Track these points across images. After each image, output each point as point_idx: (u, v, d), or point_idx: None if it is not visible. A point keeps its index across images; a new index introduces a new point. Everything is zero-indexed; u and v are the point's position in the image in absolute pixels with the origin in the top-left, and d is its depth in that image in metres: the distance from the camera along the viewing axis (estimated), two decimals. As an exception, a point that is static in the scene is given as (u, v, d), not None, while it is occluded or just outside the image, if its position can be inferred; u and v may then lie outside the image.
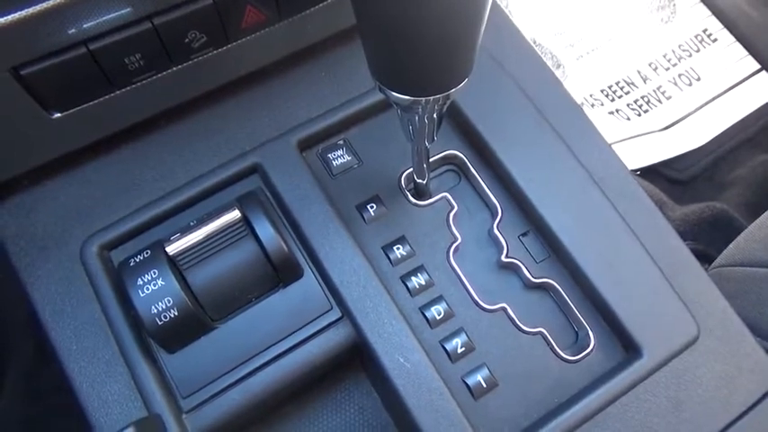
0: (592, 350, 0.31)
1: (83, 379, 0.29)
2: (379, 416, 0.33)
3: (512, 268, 0.33)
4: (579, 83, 0.89)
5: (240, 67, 0.33)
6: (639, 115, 0.87)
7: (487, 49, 0.36)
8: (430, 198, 0.34)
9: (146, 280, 0.28)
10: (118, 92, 0.29)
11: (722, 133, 0.86)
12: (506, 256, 0.33)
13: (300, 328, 0.30)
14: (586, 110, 0.88)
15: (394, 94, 0.25)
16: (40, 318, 0.30)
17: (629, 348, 0.31)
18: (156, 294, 0.27)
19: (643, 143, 0.83)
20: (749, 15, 0.88)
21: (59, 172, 0.32)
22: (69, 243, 0.31)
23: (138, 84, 0.29)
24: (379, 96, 0.34)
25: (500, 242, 0.33)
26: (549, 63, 0.90)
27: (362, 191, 0.33)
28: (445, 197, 0.34)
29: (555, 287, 0.32)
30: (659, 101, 0.88)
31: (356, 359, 0.33)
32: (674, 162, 0.83)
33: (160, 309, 0.27)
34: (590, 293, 0.31)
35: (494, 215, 0.34)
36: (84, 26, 0.25)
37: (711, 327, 0.31)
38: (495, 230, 0.33)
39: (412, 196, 0.34)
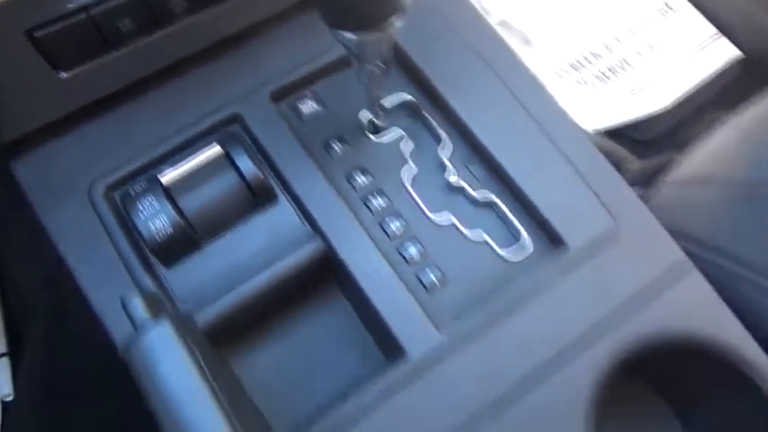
0: (530, 251, 0.36)
1: (97, 294, 0.34)
2: (360, 335, 0.38)
3: (459, 190, 0.38)
4: (547, 57, 0.95)
5: (220, 31, 0.38)
6: (605, 83, 0.93)
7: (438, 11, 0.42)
8: (387, 135, 0.39)
9: (145, 205, 0.33)
10: (115, 53, 0.35)
11: (685, 96, 0.92)
12: (454, 180, 0.38)
13: (277, 246, 0.35)
14: (555, 80, 0.93)
15: (339, 33, 0.31)
16: (60, 252, 0.36)
17: (557, 243, 0.36)
18: (154, 216, 0.33)
19: (608, 107, 0.89)
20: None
21: (66, 130, 0.38)
22: (78, 189, 0.36)
23: (132, 46, 0.35)
24: (341, 52, 0.40)
25: (449, 169, 0.38)
26: (518, 40, 0.96)
27: (328, 132, 0.39)
28: (400, 133, 0.39)
29: (496, 202, 0.37)
30: (623, 69, 0.94)
31: (331, 275, 0.38)
32: (640, 125, 0.89)
33: (158, 227, 0.33)
34: (523, 203, 0.37)
35: (443, 147, 0.39)
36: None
37: (626, 221, 0.36)
38: (445, 160, 0.39)
39: (371, 134, 0.39)
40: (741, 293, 0.40)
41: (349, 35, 0.31)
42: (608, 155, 0.41)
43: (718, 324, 0.35)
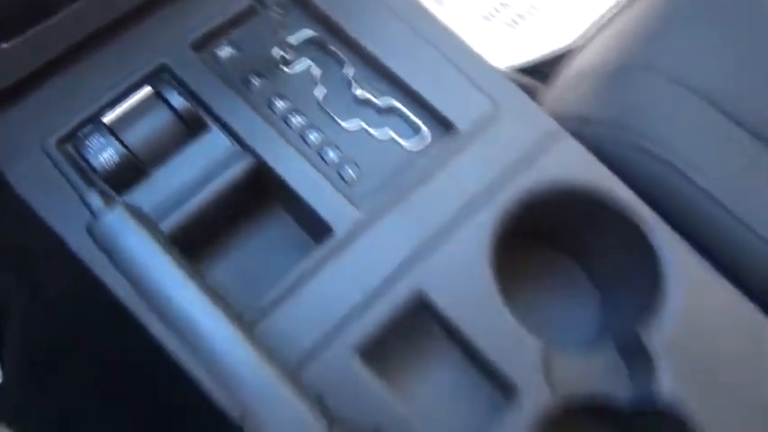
0: (429, 140, 0.43)
1: (64, 229, 0.39)
2: (297, 234, 0.44)
3: (365, 101, 0.45)
4: (460, 12, 1.02)
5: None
6: (515, 28, 1.01)
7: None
8: (297, 66, 0.46)
9: (92, 142, 0.39)
10: (50, 21, 0.40)
11: (587, 29, 1.00)
12: (359, 93, 0.45)
13: (214, 167, 0.41)
14: (469, 31, 1.01)
15: None
16: (27, 202, 0.41)
17: (449, 128, 0.43)
18: (102, 149, 0.38)
19: (519, 48, 0.97)
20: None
21: (13, 98, 0.43)
22: (34, 147, 0.41)
23: (64, 12, 0.40)
24: (249, 2, 0.46)
25: (354, 85, 0.45)
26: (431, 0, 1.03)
27: (246, 70, 0.45)
28: (308, 63, 0.46)
29: (396, 106, 0.44)
30: (531, 13, 1.02)
31: (267, 192, 0.44)
32: (551, 61, 0.97)
33: (106, 158, 0.38)
34: (419, 102, 0.44)
35: (347, 69, 0.46)
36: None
37: (506, 103, 0.44)
38: (350, 79, 0.45)
39: (284, 66, 0.45)
40: (622, 156, 0.47)
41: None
42: (522, 87, 0.48)
43: (592, 174, 0.42)
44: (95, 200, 0.31)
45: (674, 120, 0.43)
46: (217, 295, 0.30)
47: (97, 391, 0.61)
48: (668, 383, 0.37)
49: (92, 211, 0.31)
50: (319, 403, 0.28)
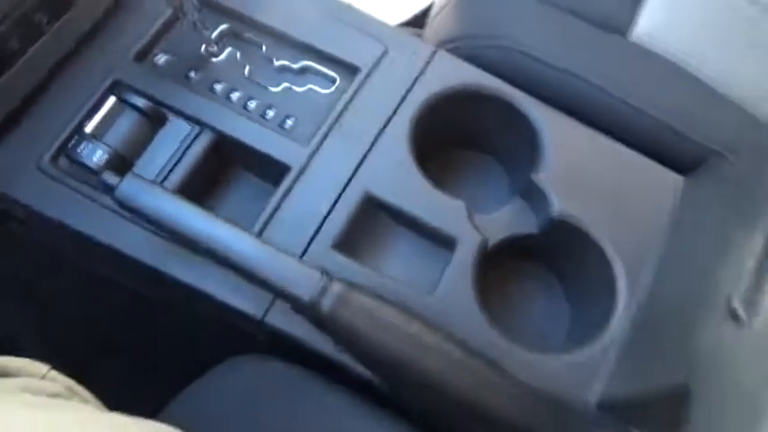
0: (339, 83, 0.55)
1: (80, 221, 0.49)
2: (261, 185, 0.55)
3: (285, 67, 0.56)
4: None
5: (78, 30, 0.53)
6: (394, -9, 1.13)
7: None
8: (223, 55, 0.56)
9: (82, 149, 0.48)
10: (14, 68, 0.49)
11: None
12: (278, 63, 0.56)
13: (183, 146, 0.52)
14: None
15: None
16: (42, 212, 0.49)
17: (355, 71, 0.55)
18: (92, 152, 0.48)
19: (401, 6, 1.10)
20: None
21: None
22: (31, 168, 0.50)
23: (22, 60, 0.49)
24: (169, 13, 0.56)
25: (272, 58, 0.56)
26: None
27: (183, 69, 0.55)
28: (231, 50, 0.57)
29: (311, 65, 0.56)
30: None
31: (227, 157, 0.55)
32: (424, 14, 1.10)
33: (97, 158, 0.48)
34: (328, 58, 0.55)
35: (263, 48, 0.57)
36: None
37: (393, 45, 0.56)
38: (268, 54, 0.56)
39: (212, 58, 0.56)
40: (490, 57, 0.60)
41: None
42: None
43: (468, 75, 0.55)
44: (110, 177, 0.41)
45: (514, 17, 0.57)
46: (226, 219, 0.41)
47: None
48: (558, 204, 0.50)
49: (110, 186, 0.41)
50: (321, 268, 0.40)
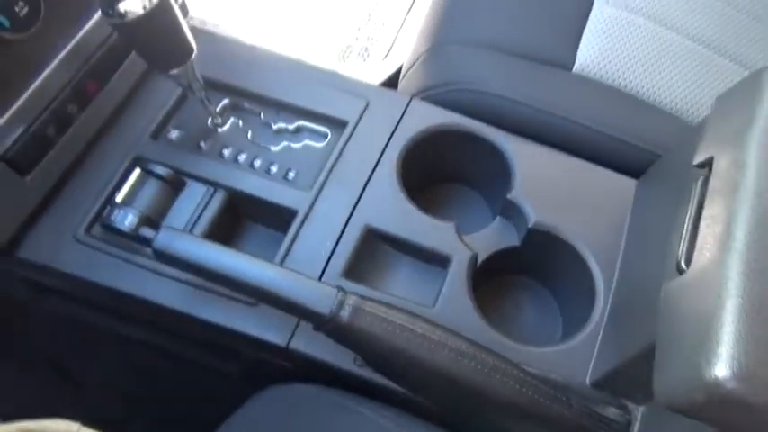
0: (330, 136, 0.63)
1: (118, 282, 0.55)
2: (271, 234, 0.62)
3: (282, 129, 0.64)
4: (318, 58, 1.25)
5: (102, 115, 0.61)
6: (366, 60, 1.25)
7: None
8: (227, 125, 0.65)
9: (115, 216, 0.55)
10: (49, 154, 0.57)
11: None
12: (276, 126, 0.64)
13: (201, 206, 0.59)
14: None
15: (164, 73, 0.56)
16: (84, 278, 0.55)
17: (343, 125, 0.63)
18: (124, 218, 0.54)
19: (374, 72, 1.21)
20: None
21: (37, 217, 0.58)
22: (68, 239, 0.57)
23: (57, 146, 0.57)
24: (178, 93, 0.64)
25: (270, 123, 0.64)
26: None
27: (194, 140, 0.63)
28: (234, 120, 0.65)
29: (305, 125, 0.64)
30: (372, 45, 1.27)
31: (239, 213, 0.62)
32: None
33: (129, 222, 0.54)
34: (319, 117, 0.64)
35: (263, 115, 0.65)
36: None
37: (374, 99, 0.65)
38: (269, 121, 0.65)
39: (218, 128, 0.64)
40: (455, 99, 0.68)
41: (171, 72, 0.56)
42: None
43: (439, 117, 0.64)
44: (147, 231, 0.48)
45: (473, 65, 0.66)
46: (250, 255, 0.48)
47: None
48: (533, 215, 0.58)
49: (148, 239, 0.48)
50: (337, 285, 0.46)
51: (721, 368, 0.31)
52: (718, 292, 0.33)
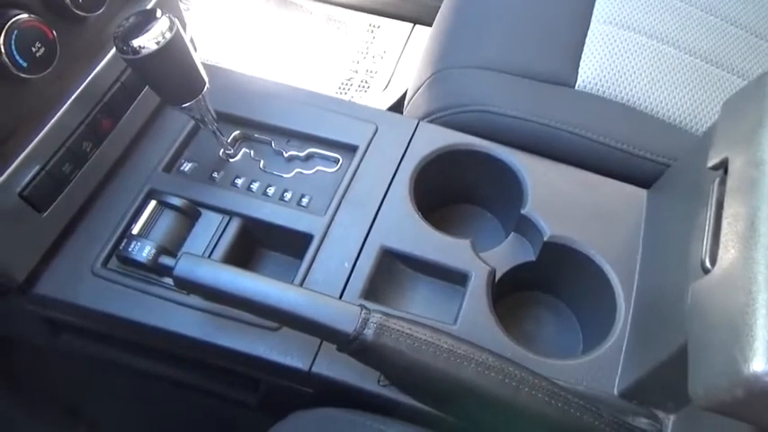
0: (342, 161, 0.64)
1: (146, 315, 0.55)
2: (287, 260, 0.62)
3: (294, 156, 0.65)
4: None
5: (119, 148, 0.62)
6: (366, 91, 1.27)
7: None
8: (239, 155, 0.66)
9: (132, 247, 0.55)
10: (65, 190, 0.57)
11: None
12: (287, 154, 0.65)
13: (217, 234, 0.59)
14: (334, 107, 1.25)
15: (177, 107, 0.57)
16: (102, 311, 0.55)
17: (353, 150, 0.64)
18: (141, 250, 0.55)
19: (374, 104, 1.23)
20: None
21: (53, 253, 0.58)
22: (87, 274, 0.57)
23: (73, 181, 0.58)
24: (190, 126, 0.65)
25: (281, 150, 0.65)
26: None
27: (207, 171, 0.64)
28: (245, 150, 0.66)
29: (315, 151, 0.65)
30: (372, 77, 1.29)
31: (254, 240, 0.62)
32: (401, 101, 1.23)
33: (146, 253, 0.55)
34: (329, 143, 0.65)
35: (273, 144, 0.66)
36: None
37: (381, 123, 0.66)
38: (277, 148, 0.66)
39: (230, 159, 0.65)
40: (461, 120, 0.69)
41: (184, 106, 0.57)
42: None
43: (448, 138, 0.65)
44: (167, 260, 0.49)
45: (478, 86, 0.67)
46: (271, 278, 0.48)
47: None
48: (548, 229, 0.58)
49: (168, 267, 0.48)
50: (360, 303, 0.46)
51: (759, 362, 0.31)
52: (747, 287, 0.33)
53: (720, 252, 0.36)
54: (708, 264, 0.37)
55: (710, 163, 0.42)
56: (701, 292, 0.37)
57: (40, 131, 0.55)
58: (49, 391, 0.76)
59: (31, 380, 0.77)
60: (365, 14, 1.42)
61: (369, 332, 0.45)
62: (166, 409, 0.74)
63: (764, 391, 0.31)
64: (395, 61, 1.31)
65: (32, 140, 0.54)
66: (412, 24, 1.36)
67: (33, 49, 0.52)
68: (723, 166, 0.41)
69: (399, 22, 1.40)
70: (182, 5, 1.30)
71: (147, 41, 0.51)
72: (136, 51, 0.51)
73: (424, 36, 1.29)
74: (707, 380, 0.34)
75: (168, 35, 0.51)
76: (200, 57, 0.56)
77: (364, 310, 0.46)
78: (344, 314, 0.45)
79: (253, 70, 1.24)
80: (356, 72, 1.30)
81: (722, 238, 0.37)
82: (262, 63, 1.27)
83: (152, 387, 0.69)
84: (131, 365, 0.64)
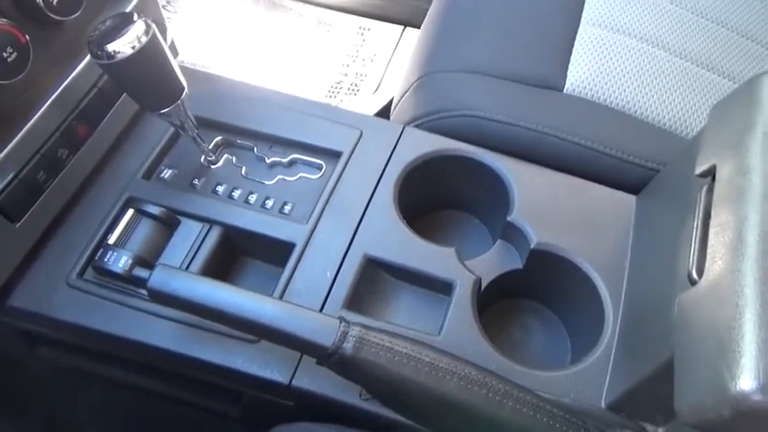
0: (325, 167, 0.63)
1: (117, 326, 0.53)
2: (268, 268, 0.61)
3: (276, 162, 0.64)
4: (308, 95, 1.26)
5: (95, 156, 0.61)
6: (356, 94, 1.26)
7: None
8: (221, 161, 0.64)
9: (108, 258, 0.54)
10: (41, 198, 0.56)
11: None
12: (270, 160, 0.64)
13: (196, 243, 0.58)
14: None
15: (157, 113, 0.55)
16: (79, 324, 0.54)
17: (337, 156, 0.63)
18: (117, 260, 0.53)
19: (364, 108, 1.22)
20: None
21: (27, 264, 0.57)
22: (61, 285, 0.56)
23: (48, 189, 0.56)
24: (170, 133, 0.64)
25: (263, 157, 0.64)
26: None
27: (187, 178, 0.63)
28: (227, 157, 0.64)
29: (298, 157, 0.64)
30: (362, 80, 1.28)
31: (235, 249, 0.61)
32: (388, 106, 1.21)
33: (123, 264, 0.53)
34: (311, 149, 0.63)
35: (255, 150, 0.65)
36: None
37: (366, 128, 0.64)
38: (259, 154, 0.64)
39: (211, 165, 0.64)
40: (447, 124, 0.68)
41: (162, 111, 0.55)
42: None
43: (434, 143, 0.63)
44: (141, 271, 0.47)
45: (465, 90, 0.66)
46: (248, 290, 0.46)
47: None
48: (535, 236, 0.57)
49: (142, 279, 0.47)
50: (339, 316, 0.45)
51: (746, 380, 0.30)
52: (734, 300, 0.32)
53: (707, 263, 0.35)
54: (695, 275, 0.36)
55: (698, 170, 0.41)
56: (687, 305, 0.36)
57: (13, 138, 0.53)
58: (29, 403, 0.75)
59: (11, 392, 0.75)
60: (355, 17, 1.41)
61: (348, 346, 0.43)
62: (148, 420, 0.72)
63: (752, 411, 0.29)
64: (385, 64, 1.29)
65: (5, 148, 0.53)
66: (402, 27, 1.35)
67: (4, 54, 0.50)
68: (711, 174, 0.40)
69: (390, 24, 1.39)
70: (169, 9, 1.28)
71: (123, 46, 0.49)
72: (110, 56, 0.49)
73: (414, 39, 1.28)
74: (693, 397, 0.32)
75: (144, 39, 0.49)
76: (184, 61, 0.55)
77: (343, 323, 0.44)
78: (323, 327, 0.44)
79: (242, 74, 1.22)
80: (346, 75, 1.29)
81: (709, 249, 0.35)
82: (252, 67, 1.25)
83: (133, 399, 0.68)
84: (110, 377, 0.62)
